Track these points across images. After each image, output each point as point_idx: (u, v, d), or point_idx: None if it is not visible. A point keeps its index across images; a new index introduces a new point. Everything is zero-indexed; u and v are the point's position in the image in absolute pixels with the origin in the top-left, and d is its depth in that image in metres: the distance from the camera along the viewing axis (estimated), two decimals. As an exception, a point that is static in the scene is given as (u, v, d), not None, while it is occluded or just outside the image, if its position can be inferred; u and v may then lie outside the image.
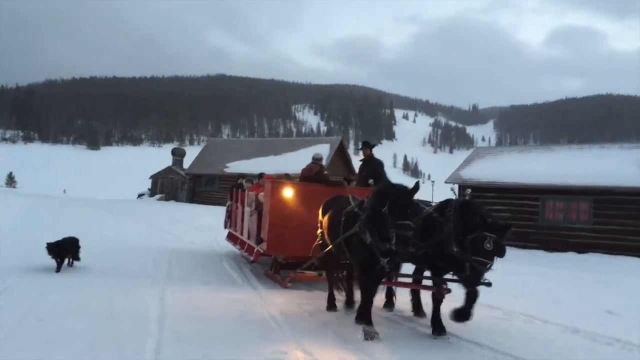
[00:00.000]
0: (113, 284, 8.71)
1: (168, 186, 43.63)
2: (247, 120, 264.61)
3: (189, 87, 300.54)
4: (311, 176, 9.92)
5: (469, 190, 7.18)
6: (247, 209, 11.23)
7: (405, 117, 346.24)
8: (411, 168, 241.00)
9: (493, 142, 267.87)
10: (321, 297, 8.47)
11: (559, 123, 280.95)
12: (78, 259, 9.93)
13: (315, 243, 8.22)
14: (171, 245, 14.30)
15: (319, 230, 8.08)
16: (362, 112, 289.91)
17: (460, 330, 6.80)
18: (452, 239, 6.27)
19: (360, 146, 10.21)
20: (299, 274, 9.31)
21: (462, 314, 6.54)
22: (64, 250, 9.57)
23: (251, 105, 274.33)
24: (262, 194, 10.17)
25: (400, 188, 6.18)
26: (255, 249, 10.07)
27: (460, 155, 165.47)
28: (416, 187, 6.27)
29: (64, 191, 62.35)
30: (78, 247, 9.99)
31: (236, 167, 40.15)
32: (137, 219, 22.58)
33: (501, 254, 5.98)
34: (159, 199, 42.07)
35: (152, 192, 44.41)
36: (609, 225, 19.63)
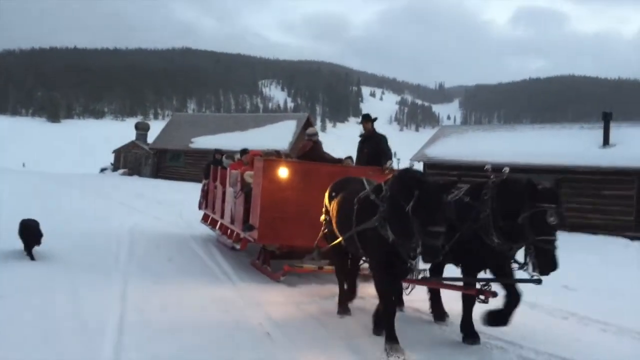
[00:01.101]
0: (72, 279, 7.46)
1: (132, 161, 42.93)
2: (213, 95, 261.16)
3: (153, 60, 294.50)
4: (308, 154, 8.89)
5: (488, 166, 5.87)
6: (229, 190, 9.97)
7: (373, 94, 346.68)
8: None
9: (458, 121, 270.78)
10: (323, 293, 7.67)
11: (523, 103, 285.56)
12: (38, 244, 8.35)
13: (321, 233, 7.01)
14: (136, 224, 14.07)
15: (323, 217, 6.91)
16: (329, 89, 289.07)
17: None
18: (491, 227, 5.28)
19: (360, 120, 9.34)
20: (297, 267, 7.96)
21: (500, 318, 5.62)
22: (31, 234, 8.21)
23: (217, 80, 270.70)
24: (248, 173, 9.01)
25: (430, 183, 4.83)
26: (242, 237, 8.89)
27: (426, 133, 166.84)
28: (452, 183, 5.18)
29: (23, 165, 60.73)
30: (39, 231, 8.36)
31: (202, 142, 39.74)
32: (99, 194, 22.18)
33: (564, 226, 5.03)
34: (122, 174, 41.39)
35: (115, 167, 43.66)
36: (569, 203, 20.15)
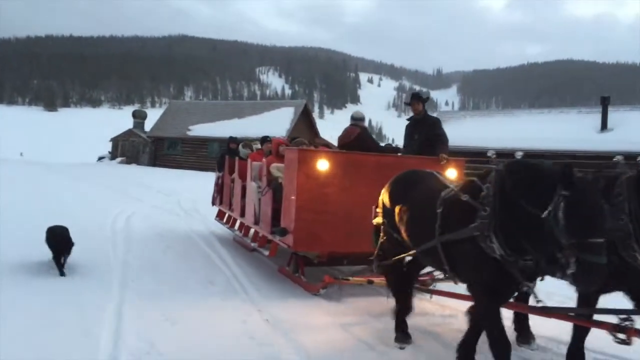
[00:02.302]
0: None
1: (129, 149, 42.83)
2: (210, 83, 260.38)
3: (149, 47, 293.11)
4: (353, 143, 7.26)
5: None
6: (251, 185, 8.39)
7: (370, 80, 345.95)
8: (375, 132, 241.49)
9: (456, 107, 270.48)
10: (374, 309, 6.16)
11: (521, 88, 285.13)
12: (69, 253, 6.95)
13: (381, 240, 5.34)
14: (134, 213, 14.05)
15: (377, 220, 5.40)
16: (327, 75, 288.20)
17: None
18: (632, 237, 3.96)
19: (409, 99, 7.71)
20: (342, 280, 6.48)
21: None
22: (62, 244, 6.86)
23: (214, 67, 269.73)
24: (275, 165, 7.71)
25: (583, 179, 3.58)
26: (271, 241, 7.53)
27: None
28: (612, 179, 4.13)
29: (21, 154, 60.59)
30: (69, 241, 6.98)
31: (199, 130, 39.67)
32: (97, 183, 22.14)
33: None
34: (120, 162, 41.32)
35: (113, 156, 43.55)
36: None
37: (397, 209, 5.02)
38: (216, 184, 11.37)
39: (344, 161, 6.71)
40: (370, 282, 6.29)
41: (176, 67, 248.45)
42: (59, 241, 6.82)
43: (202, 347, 4.76)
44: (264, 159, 8.37)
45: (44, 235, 7.08)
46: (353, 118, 7.73)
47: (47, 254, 6.97)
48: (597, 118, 23.77)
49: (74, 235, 7.19)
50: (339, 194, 6.58)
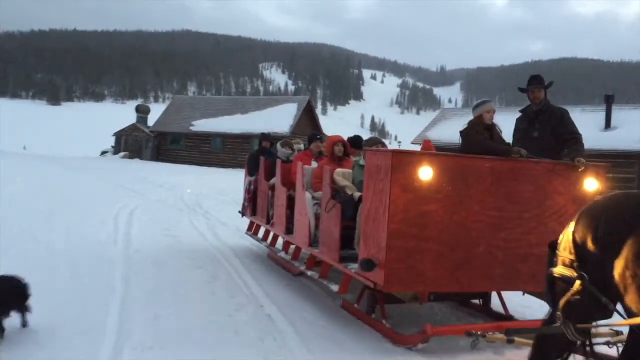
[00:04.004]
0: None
1: (132, 144, 42.84)
2: (214, 78, 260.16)
3: (153, 42, 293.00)
4: (472, 143, 5.34)
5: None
6: (304, 196, 6.55)
7: (374, 77, 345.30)
8: (378, 129, 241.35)
9: (460, 104, 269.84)
10: None
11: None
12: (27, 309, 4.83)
13: (568, 297, 3.39)
14: (137, 207, 14.07)
15: (561, 270, 3.46)
16: (330, 71, 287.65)
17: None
18: None
19: (526, 84, 5.85)
20: (477, 337, 4.05)
21: None
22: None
23: (218, 62, 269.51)
24: (340, 171, 6.23)
25: None
26: (323, 264, 6.05)
27: (427, 116, 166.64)
28: None
29: (24, 148, 60.71)
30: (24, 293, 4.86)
31: (202, 125, 39.70)
32: (101, 177, 22.16)
33: None
34: (123, 157, 41.34)
35: (116, 150, 43.57)
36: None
37: (619, 261, 3.08)
38: (247, 191, 9.25)
39: (452, 168, 4.86)
40: (511, 342, 4.08)
41: (179, 62, 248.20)
42: (4, 297, 4.66)
43: (206, 342, 4.76)
44: (313, 162, 7.20)
45: (47, 230, 7.12)
46: (479, 107, 5.72)
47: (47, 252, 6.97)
48: (601, 117, 23.72)
49: (72, 234, 7.18)
50: (444, 212, 4.80)
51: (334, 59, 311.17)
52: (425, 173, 4.70)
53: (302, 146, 8.86)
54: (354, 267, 5.21)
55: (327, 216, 5.81)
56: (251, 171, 9.11)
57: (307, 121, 39.51)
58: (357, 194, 5.59)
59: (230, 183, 21.96)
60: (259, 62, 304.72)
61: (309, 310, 5.89)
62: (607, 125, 23.20)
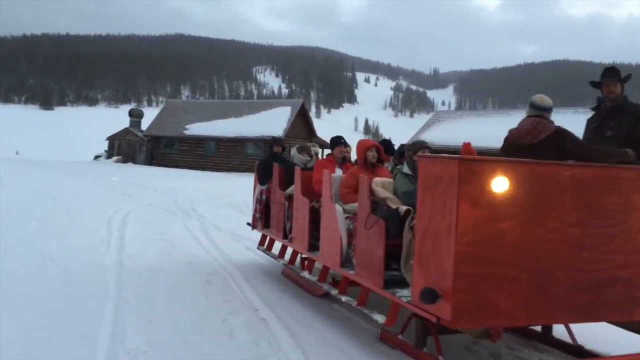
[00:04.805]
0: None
1: (125, 148, 42.75)
2: (207, 82, 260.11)
3: (146, 46, 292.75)
4: (542, 146, 4.50)
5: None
6: (334, 209, 5.69)
7: (367, 80, 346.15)
8: (372, 131, 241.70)
9: (453, 107, 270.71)
10: None
11: (518, 88, 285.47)
12: None
13: None
14: (131, 211, 14.03)
15: None
16: (323, 75, 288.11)
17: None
18: None
19: (600, 76, 5.06)
20: None
21: None
22: None
23: (211, 66, 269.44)
24: (378, 180, 5.37)
25: None
26: (364, 289, 5.17)
27: (421, 119, 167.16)
28: None
29: (17, 152, 60.50)
30: None
31: (196, 129, 39.67)
32: (94, 181, 22.10)
33: None
34: (116, 161, 41.24)
35: (109, 154, 43.47)
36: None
37: None
38: (258, 201, 8.31)
39: (528, 177, 4.02)
40: None
41: (173, 66, 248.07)
42: None
43: (200, 347, 4.73)
44: (337, 169, 6.57)
45: (39, 237, 7.09)
46: (536, 106, 4.75)
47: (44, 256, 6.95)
48: (593, 118, 23.87)
49: (66, 239, 7.16)
50: (520, 230, 3.99)
51: (327, 62, 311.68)
52: (500, 184, 3.90)
53: (317, 149, 8.18)
54: (404, 294, 4.47)
55: (366, 234, 4.98)
56: (262, 179, 8.18)
57: (301, 125, 39.58)
58: (402, 208, 4.85)
59: (224, 187, 21.94)
60: (253, 66, 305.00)
61: (305, 314, 5.83)
62: (600, 127, 23.32)
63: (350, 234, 5.45)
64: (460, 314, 3.84)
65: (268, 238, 8.02)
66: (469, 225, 3.82)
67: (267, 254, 7.99)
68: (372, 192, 5.16)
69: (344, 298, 5.46)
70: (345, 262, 5.48)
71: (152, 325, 5.15)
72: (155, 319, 5.31)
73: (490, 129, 24.66)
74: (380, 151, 5.97)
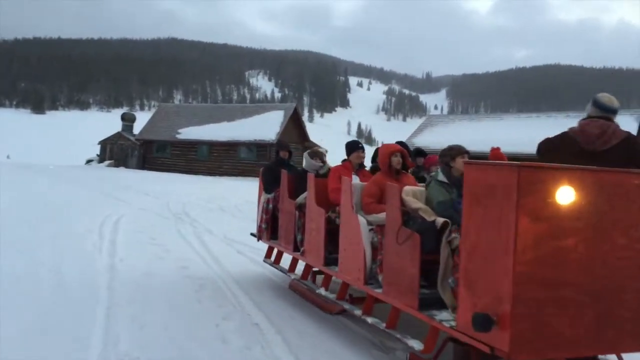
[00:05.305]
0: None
1: (118, 152, 42.61)
2: (200, 86, 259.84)
3: (138, 50, 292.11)
4: (611, 153, 4.03)
5: None
6: (357, 220, 5.12)
7: (360, 84, 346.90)
8: (365, 135, 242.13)
9: (445, 111, 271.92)
10: None
11: (510, 92, 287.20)
12: None
13: None
14: (123, 216, 13.97)
15: None
16: (316, 79, 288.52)
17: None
18: None
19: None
20: None
21: None
22: None
23: (204, 70, 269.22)
24: (409, 189, 4.82)
25: None
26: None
27: (413, 123, 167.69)
28: None
29: (8, 157, 60.16)
30: None
31: (188, 133, 39.60)
32: (86, 185, 22.00)
33: None
34: (109, 165, 41.10)
35: (101, 159, 43.33)
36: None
37: None
38: (264, 211, 7.62)
39: (593, 186, 3.56)
40: None
41: (165, 70, 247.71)
42: None
43: (192, 352, 4.70)
44: (354, 176, 6.09)
45: (30, 241, 7.04)
46: (604, 106, 4.23)
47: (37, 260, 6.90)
48: (584, 122, 24.05)
49: (57, 243, 7.12)
50: (585, 247, 3.52)
51: (320, 66, 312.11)
52: (566, 195, 3.44)
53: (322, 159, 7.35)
54: (444, 318, 3.99)
55: (397, 249, 4.51)
56: (268, 187, 7.56)
57: (294, 129, 39.58)
58: (439, 220, 4.33)
59: (216, 191, 21.91)
60: (246, 70, 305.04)
61: (298, 319, 5.78)
62: (591, 131, 23.49)
63: (375, 248, 4.94)
64: (520, 343, 3.34)
65: (275, 250, 7.44)
66: (530, 242, 3.35)
67: (275, 267, 7.39)
68: (402, 202, 4.64)
69: (369, 319, 4.87)
70: (369, 278, 4.97)
71: (144, 329, 5.12)
72: (148, 324, 5.28)
73: (483, 133, 24.81)
74: (405, 156, 5.50)
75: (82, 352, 4.49)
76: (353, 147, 6.39)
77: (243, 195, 20.29)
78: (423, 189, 4.91)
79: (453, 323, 3.83)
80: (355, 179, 5.99)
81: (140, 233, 10.83)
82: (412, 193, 4.77)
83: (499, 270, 3.41)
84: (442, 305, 4.10)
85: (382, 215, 4.81)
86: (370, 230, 5.02)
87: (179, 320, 5.46)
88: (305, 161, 7.02)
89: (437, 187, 4.70)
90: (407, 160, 5.54)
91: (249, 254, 9.13)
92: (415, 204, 4.62)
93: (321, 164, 6.93)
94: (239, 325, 5.42)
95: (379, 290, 4.79)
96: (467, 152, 4.83)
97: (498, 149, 5.35)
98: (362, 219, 5.11)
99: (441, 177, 4.73)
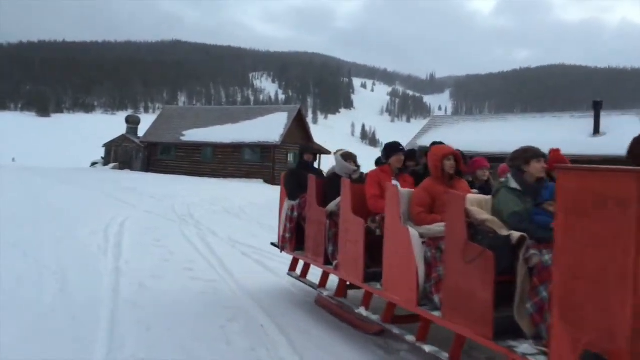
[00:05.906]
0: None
1: (122, 155, 42.72)
2: (204, 88, 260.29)
3: (143, 53, 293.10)
4: None
5: None
6: (408, 233, 4.49)
7: (364, 86, 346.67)
8: (369, 137, 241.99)
9: (450, 112, 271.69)
10: None
11: (514, 92, 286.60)
12: None
13: None
14: (127, 218, 14.00)
15: None
16: (320, 80, 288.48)
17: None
18: None
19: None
20: None
21: None
22: None
23: (208, 72, 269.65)
24: (473, 198, 4.34)
25: None
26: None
27: (418, 124, 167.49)
28: None
29: (13, 159, 60.34)
30: None
31: (193, 135, 39.64)
32: (91, 188, 22.05)
33: None
34: (113, 168, 41.22)
35: (106, 161, 43.46)
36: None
37: None
38: (288, 219, 6.88)
39: None
40: None
41: (169, 73, 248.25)
42: None
43: (197, 353, 4.71)
44: (394, 181, 5.36)
45: (36, 242, 7.06)
46: None
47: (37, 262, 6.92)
48: (589, 123, 23.91)
49: (62, 246, 7.13)
50: None
51: (324, 67, 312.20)
52: None
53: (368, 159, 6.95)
54: (527, 351, 3.38)
55: (463, 268, 3.89)
56: (293, 193, 6.85)
57: (298, 130, 39.59)
58: (515, 234, 3.72)
59: (220, 193, 21.92)
60: (249, 72, 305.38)
61: (303, 320, 5.73)
62: (596, 131, 23.38)
63: (428, 264, 4.38)
64: None
65: (302, 263, 6.73)
66: None
67: (301, 281, 6.63)
68: (466, 214, 4.01)
69: (427, 348, 4.20)
70: (422, 298, 4.38)
71: (150, 331, 5.13)
72: (153, 326, 5.29)
73: (487, 133, 24.74)
74: (459, 160, 4.90)
75: (87, 354, 4.50)
76: (394, 149, 5.70)
77: (247, 197, 20.32)
78: (489, 197, 4.36)
79: (542, 358, 3.25)
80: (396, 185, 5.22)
81: (145, 235, 10.84)
82: (477, 202, 4.21)
83: (613, 301, 2.82)
84: (514, 330, 3.55)
85: (436, 226, 4.34)
86: (422, 243, 4.46)
87: (184, 322, 5.47)
88: (337, 164, 6.27)
89: (509, 196, 4.11)
90: (461, 165, 4.97)
91: (254, 256, 9.12)
92: (482, 215, 4.02)
93: (355, 167, 6.21)
94: (244, 327, 5.42)
95: (437, 314, 4.19)
96: (543, 155, 4.30)
97: (558, 150, 4.84)
98: (413, 231, 4.49)
99: (513, 184, 4.17)
